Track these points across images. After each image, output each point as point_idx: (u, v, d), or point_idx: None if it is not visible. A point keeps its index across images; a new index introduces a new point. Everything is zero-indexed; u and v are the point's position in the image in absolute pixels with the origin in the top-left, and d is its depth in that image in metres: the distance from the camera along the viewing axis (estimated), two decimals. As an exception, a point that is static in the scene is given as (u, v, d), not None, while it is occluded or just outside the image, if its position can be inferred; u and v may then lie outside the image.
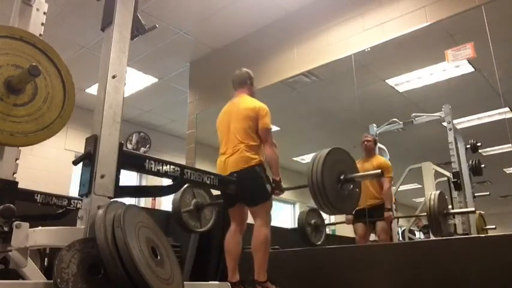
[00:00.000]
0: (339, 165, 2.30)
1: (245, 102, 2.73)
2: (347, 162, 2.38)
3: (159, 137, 7.26)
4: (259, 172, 2.50)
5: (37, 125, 1.45)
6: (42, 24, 2.14)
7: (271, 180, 2.56)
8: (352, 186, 2.32)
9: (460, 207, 3.63)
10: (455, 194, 3.81)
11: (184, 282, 1.44)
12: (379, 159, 3.90)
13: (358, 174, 2.38)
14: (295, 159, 5.91)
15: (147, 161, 1.67)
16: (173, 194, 2.80)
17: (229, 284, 1.95)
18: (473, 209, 3.58)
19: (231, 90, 3.00)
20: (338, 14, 3.97)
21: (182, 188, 2.87)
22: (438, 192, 3.29)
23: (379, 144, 4.14)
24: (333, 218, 5.12)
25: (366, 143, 3.91)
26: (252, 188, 2.45)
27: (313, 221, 3.81)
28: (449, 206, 3.95)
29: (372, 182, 3.72)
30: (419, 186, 4.50)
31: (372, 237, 3.94)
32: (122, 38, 1.58)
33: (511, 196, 4.96)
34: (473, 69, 3.67)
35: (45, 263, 2.31)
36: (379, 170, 2.55)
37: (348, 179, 2.29)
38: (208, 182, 1.94)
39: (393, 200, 3.97)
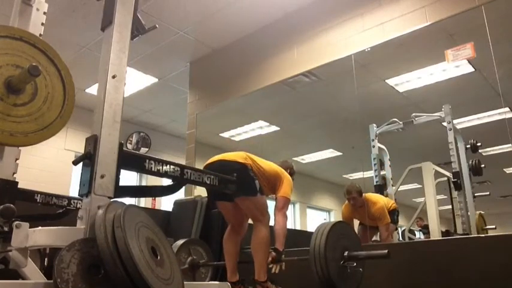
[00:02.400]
0: (343, 241, 2.16)
1: (277, 165, 2.72)
2: (351, 238, 2.25)
3: (159, 137, 7.26)
4: (250, 171, 2.46)
5: (37, 125, 1.45)
6: (42, 24, 2.14)
7: (273, 249, 2.48)
8: (355, 264, 2.15)
9: (460, 207, 3.63)
10: (455, 194, 3.81)
11: (184, 282, 1.44)
12: (372, 206, 3.72)
13: (364, 253, 2.20)
14: (295, 159, 5.91)
15: (147, 161, 1.67)
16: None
17: (229, 284, 1.95)
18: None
19: (231, 90, 3.00)
20: (338, 14, 3.97)
21: (179, 244, 2.77)
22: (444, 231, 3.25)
23: (379, 144, 4.14)
24: (333, 218, 5.13)
25: (352, 201, 3.74)
26: (239, 178, 2.34)
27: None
28: (449, 206, 3.95)
29: (370, 227, 3.66)
30: (420, 186, 4.50)
31: (372, 237, 3.94)
32: (121, 38, 1.58)
33: (511, 196, 4.95)
34: (473, 69, 3.66)
35: (45, 263, 2.31)
36: (386, 251, 2.22)
37: (352, 256, 2.13)
38: (208, 182, 1.94)
39: (395, 203, 3.97)
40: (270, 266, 2.48)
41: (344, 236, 2.21)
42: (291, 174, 2.85)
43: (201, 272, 2.87)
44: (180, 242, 2.82)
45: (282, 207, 2.55)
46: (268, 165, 2.64)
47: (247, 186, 2.42)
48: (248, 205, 2.50)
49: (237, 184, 2.21)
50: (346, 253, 2.14)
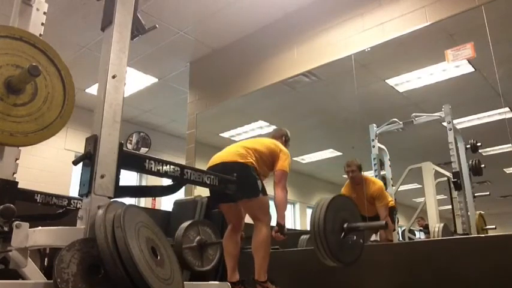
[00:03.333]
0: (342, 213, 2.18)
1: (271, 141, 2.75)
2: (350, 210, 2.26)
3: (159, 137, 7.26)
4: (251, 171, 2.48)
5: (37, 125, 1.45)
6: (42, 24, 2.13)
7: (276, 223, 2.52)
8: (355, 236, 2.19)
9: (460, 207, 3.63)
10: (455, 194, 3.81)
11: (184, 282, 1.44)
12: (371, 185, 3.73)
13: (362, 224, 2.23)
14: (295, 159, 5.91)
15: (147, 161, 1.67)
16: (179, 227, 2.73)
17: (229, 284, 1.95)
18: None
19: (231, 90, 3.00)
20: (338, 14, 3.97)
21: (187, 224, 2.79)
22: (442, 225, 3.27)
23: (379, 144, 4.14)
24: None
25: (350, 174, 3.74)
26: (241, 179, 2.36)
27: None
28: (450, 206, 3.95)
29: (369, 208, 3.62)
30: (420, 186, 4.50)
31: (372, 237, 3.94)
32: (121, 38, 1.58)
33: (511, 196, 4.95)
34: (473, 69, 3.67)
35: (45, 263, 2.31)
36: (384, 222, 2.35)
37: (352, 228, 2.16)
38: (208, 182, 1.94)
39: (393, 201, 3.97)
40: (274, 236, 2.51)
41: (343, 208, 2.23)
42: (286, 141, 2.89)
43: (209, 254, 2.88)
44: (188, 222, 2.82)
45: (280, 180, 2.57)
46: (265, 145, 2.65)
47: (250, 187, 2.44)
48: (251, 206, 2.51)
49: (239, 186, 2.22)
50: (345, 225, 2.15)
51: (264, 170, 2.60)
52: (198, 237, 2.83)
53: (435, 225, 3.28)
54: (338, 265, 2.08)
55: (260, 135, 5.29)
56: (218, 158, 2.56)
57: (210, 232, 2.91)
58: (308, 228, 2.16)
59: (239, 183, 2.24)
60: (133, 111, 6.54)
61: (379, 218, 3.60)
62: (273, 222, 2.56)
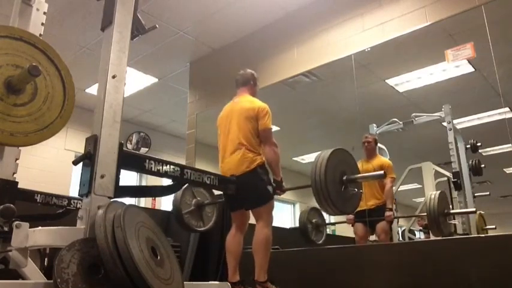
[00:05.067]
0: (342, 166, 2.30)
1: (246, 102, 2.71)
2: (349, 164, 2.38)
3: (159, 137, 7.26)
4: (261, 174, 2.50)
5: (37, 125, 1.45)
6: (42, 24, 2.14)
7: (272, 180, 2.55)
8: (354, 187, 2.33)
9: (460, 207, 3.63)
10: (455, 194, 3.81)
11: (184, 282, 1.44)
12: (381, 159, 3.88)
13: (360, 175, 2.38)
14: (295, 159, 5.91)
15: (147, 161, 1.68)
16: (173, 195, 2.79)
17: (229, 284, 1.95)
18: (473, 209, 3.57)
19: (231, 90, 3.00)
20: (338, 14, 3.97)
21: (182, 189, 2.87)
22: (439, 192, 3.28)
23: (379, 144, 4.14)
24: (333, 218, 5.13)
25: (366, 144, 3.87)
26: (254, 191, 2.45)
27: (314, 220, 3.78)
28: (450, 206, 3.95)
29: (374, 183, 3.70)
30: (420, 186, 4.50)
31: (372, 237, 3.94)
32: (121, 38, 1.58)
33: (511, 196, 4.95)
34: (473, 69, 3.67)
35: (45, 263, 2.31)
36: (382, 172, 2.53)
37: (350, 179, 2.28)
38: (208, 182, 1.94)
39: (394, 200, 3.97)
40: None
41: (342, 162, 2.33)
42: (255, 84, 2.85)
43: (207, 212, 2.96)
44: (183, 188, 2.88)
45: (266, 138, 2.57)
46: (245, 117, 2.60)
47: (261, 196, 2.47)
48: (260, 211, 2.51)
49: (251, 197, 2.36)
50: (345, 177, 2.28)
51: (258, 141, 2.59)
52: (194, 200, 2.91)
53: (431, 193, 3.25)
54: (338, 214, 2.24)
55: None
56: (227, 169, 2.54)
57: (205, 192, 2.99)
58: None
59: (251, 195, 2.36)
60: (133, 111, 6.54)
61: (382, 209, 3.64)
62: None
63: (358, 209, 2.91)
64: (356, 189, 2.35)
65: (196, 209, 2.89)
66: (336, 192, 2.21)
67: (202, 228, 2.92)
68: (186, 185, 2.81)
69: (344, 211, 2.27)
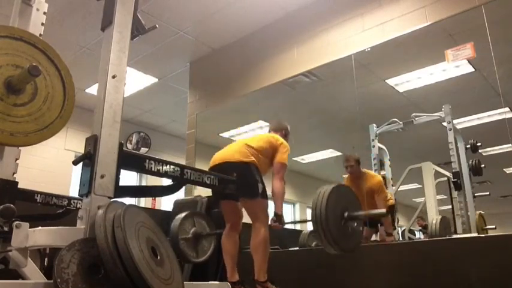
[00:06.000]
0: (343, 202, 2.25)
1: (272, 134, 2.80)
2: (351, 199, 2.32)
3: (159, 137, 7.26)
4: (253, 171, 2.50)
5: (37, 125, 1.45)
6: (42, 24, 2.14)
7: (274, 213, 2.55)
8: (355, 223, 2.27)
9: (460, 208, 3.63)
10: (455, 194, 3.81)
11: (184, 282, 1.44)
12: (370, 179, 3.75)
13: (363, 212, 2.31)
14: (295, 159, 5.91)
15: (147, 161, 1.67)
16: (173, 221, 2.77)
17: (229, 284, 1.95)
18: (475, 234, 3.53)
19: (231, 90, 3.01)
20: (338, 14, 3.97)
21: (182, 215, 2.83)
22: (440, 217, 3.28)
23: (379, 144, 4.14)
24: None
25: (349, 168, 3.76)
26: (244, 179, 2.42)
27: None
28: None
29: (368, 201, 3.62)
30: (420, 186, 4.50)
31: (373, 237, 3.94)
32: (122, 38, 1.58)
33: (511, 196, 4.95)
34: (473, 69, 3.66)
35: (45, 263, 2.31)
36: (384, 210, 2.46)
37: (352, 216, 2.22)
38: (208, 182, 1.94)
39: (393, 200, 3.97)
40: (273, 226, 2.54)
41: (344, 197, 2.29)
42: (286, 135, 2.91)
43: (203, 245, 2.91)
44: (184, 213, 2.85)
45: (278, 172, 2.61)
46: (265, 140, 2.68)
47: (250, 188, 2.45)
48: (250, 206, 2.53)
49: (240, 185, 2.24)
50: (346, 214, 2.21)
51: (265, 166, 2.63)
52: (193, 229, 2.87)
53: (433, 218, 3.26)
54: (339, 252, 2.14)
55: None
56: (220, 156, 2.57)
57: (205, 224, 2.95)
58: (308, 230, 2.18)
59: (240, 182, 2.25)
60: (134, 111, 6.54)
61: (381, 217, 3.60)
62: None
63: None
64: (357, 225, 2.27)
65: (193, 238, 2.82)
66: (337, 229, 2.15)
67: (195, 260, 2.84)
68: (186, 212, 2.80)
69: (346, 249, 2.17)
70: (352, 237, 2.25)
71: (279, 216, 2.55)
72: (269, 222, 2.53)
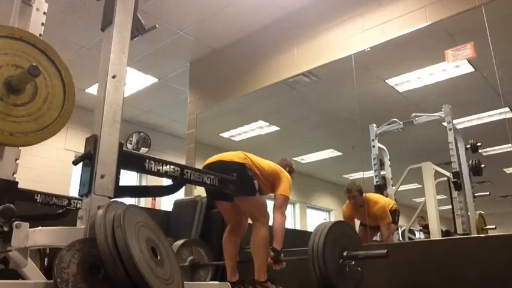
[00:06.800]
0: (343, 240, 2.14)
1: (276, 164, 2.75)
2: (351, 238, 2.22)
3: (159, 137, 7.26)
4: (248, 170, 2.48)
5: (37, 125, 1.45)
6: (42, 24, 2.14)
7: (271, 248, 2.48)
8: (354, 263, 2.12)
9: (460, 207, 3.63)
10: (455, 194, 3.81)
11: (184, 282, 1.43)
12: (374, 206, 3.70)
13: (363, 252, 2.18)
14: (295, 159, 5.90)
15: (147, 161, 1.67)
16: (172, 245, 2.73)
17: (229, 284, 1.95)
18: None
19: (231, 90, 3.00)
20: (338, 14, 3.97)
21: (181, 242, 2.75)
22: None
23: (379, 144, 4.14)
24: (333, 218, 5.13)
25: (352, 200, 3.72)
26: (237, 177, 2.34)
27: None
28: (450, 207, 3.95)
29: (370, 221, 3.62)
30: (420, 186, 4.50)
31: (373, 237, 3.94)
32: (122, 38, 1.58)
33: (511, 196, 4.95)
34: (473, 69, 3.66)
35: (45, 263, 2.31)
36: (385, 251, 2.20)
37: (351, 256, 2.10)
38: (208, 182, 1.94)
39: (396, 205, 3.97)
40: (272, 266, 2.47)
41: (344, 235, 2.19)
42: (290, 172, 2.85)
43: (200, 275, 2.85)
44: (182, 240, 2.82)
45: (281, 205, 2.55)
46: (267, 164, 2.65)
47: (246, 186, 2.43)
48: (247, 205, 2.51)
49: (236, 184, 2.20)
50: (345, 253, 2.11)
51: (265, 188, 2.58)
52: (190, 257, 2.79)
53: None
54: None
55: (260, 135, 5.29)
56: (216, 157, 2.57)
57: (204, 253, 2.87)
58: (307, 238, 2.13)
59: (236, 181, 2.23)
60: (134, 111, 6.54)
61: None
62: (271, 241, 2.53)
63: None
64: (356, 266, 2.15)
65: (190, 266, 2.76)
66: (334, 267, 2.03)
67: None
68: (185, 239, 2.73)
69: None
70: (350, 278, 2.13)
71: (278, 252, 2.46)
72: (269, 222, 2.52)
